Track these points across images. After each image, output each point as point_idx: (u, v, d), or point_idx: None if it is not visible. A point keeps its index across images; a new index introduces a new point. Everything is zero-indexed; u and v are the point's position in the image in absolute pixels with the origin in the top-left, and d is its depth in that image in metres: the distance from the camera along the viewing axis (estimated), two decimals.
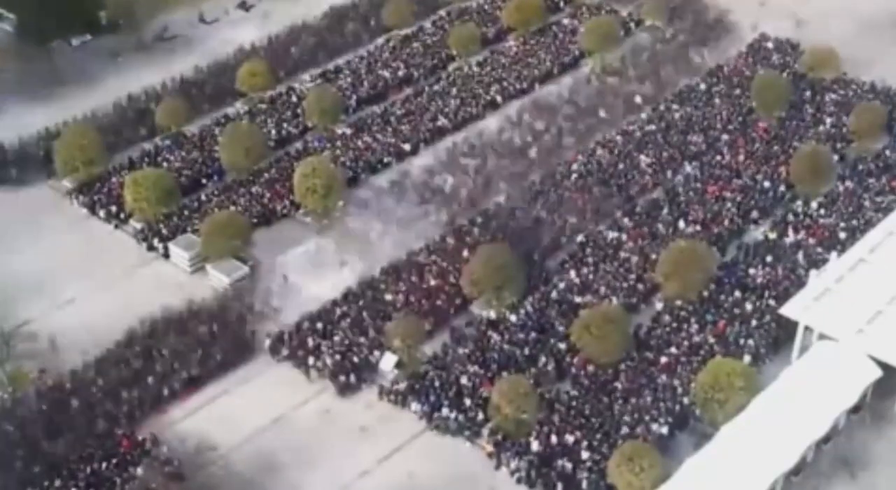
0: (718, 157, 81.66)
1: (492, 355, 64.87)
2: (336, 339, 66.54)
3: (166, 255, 74.58)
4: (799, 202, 77.17)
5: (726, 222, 75.02)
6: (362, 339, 66.41)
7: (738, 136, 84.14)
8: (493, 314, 67.90)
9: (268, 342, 66.83)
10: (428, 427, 61.82)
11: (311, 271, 71.90)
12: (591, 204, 76.05)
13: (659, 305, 68.98)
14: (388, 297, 69.30)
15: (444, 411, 61.74)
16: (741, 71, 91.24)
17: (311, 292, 69.94)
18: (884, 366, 61.58)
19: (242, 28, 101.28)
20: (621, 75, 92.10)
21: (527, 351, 65.15)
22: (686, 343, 65.51)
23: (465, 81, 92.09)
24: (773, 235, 74.07)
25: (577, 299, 68.74)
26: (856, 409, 61.46)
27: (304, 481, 59.22)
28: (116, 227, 77.25)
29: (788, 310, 64.71)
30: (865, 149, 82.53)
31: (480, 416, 61.47)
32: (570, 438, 59.90)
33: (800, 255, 71.68)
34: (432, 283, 70.10)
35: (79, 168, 79.44)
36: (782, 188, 78.37)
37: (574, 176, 79.16)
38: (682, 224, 74.89)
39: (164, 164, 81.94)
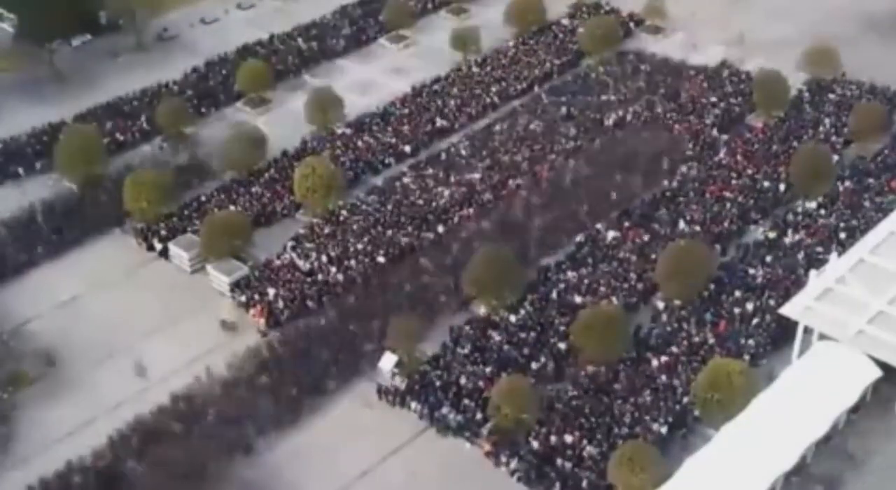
0: (717, 158, 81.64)
1: (491, 355, 64.89)
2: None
3: (164, 255, 74.57)
4: (799, 202, 77.23)
5: (726, 223, 74.93)
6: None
7: (737, 136, 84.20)
8: (483, 311, 68.03)
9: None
10: (428, 427, 61.81)
11: None
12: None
13: (660, 305, 68.90)
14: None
15: (444, 411, 61.75)
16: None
17: None
18: (884, 366, 61.56)
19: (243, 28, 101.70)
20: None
21: (526, 351, 65.14)
22: (686, 343, 65.46)
23: (465, 82, 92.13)
24: (772, 235, 74.09)
25: (577, 299, 68.72)
26: (856, 409, 61.45)
27: (305, 481, 59.24)
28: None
29: (788, 310, 64.66)
30: (865, 149, 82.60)
31: (479, 416, 61.51)
32: (569, 438, 59.87)
33: (800, 255, 71.73)
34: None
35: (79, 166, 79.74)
36: (782, 187, 78.26)
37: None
38: (681, 224, 74.87)
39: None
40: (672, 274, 67.53)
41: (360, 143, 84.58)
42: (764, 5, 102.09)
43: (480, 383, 63.00)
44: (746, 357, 63.79)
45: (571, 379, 63.89)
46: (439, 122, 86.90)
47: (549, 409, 61.59)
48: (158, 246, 74.98)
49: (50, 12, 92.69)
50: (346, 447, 60.81)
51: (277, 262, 72.78)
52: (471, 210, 76.79)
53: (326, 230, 75.46)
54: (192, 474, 57.27)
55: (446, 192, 78.47)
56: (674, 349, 65.17)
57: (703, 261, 68.40)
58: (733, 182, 78.78)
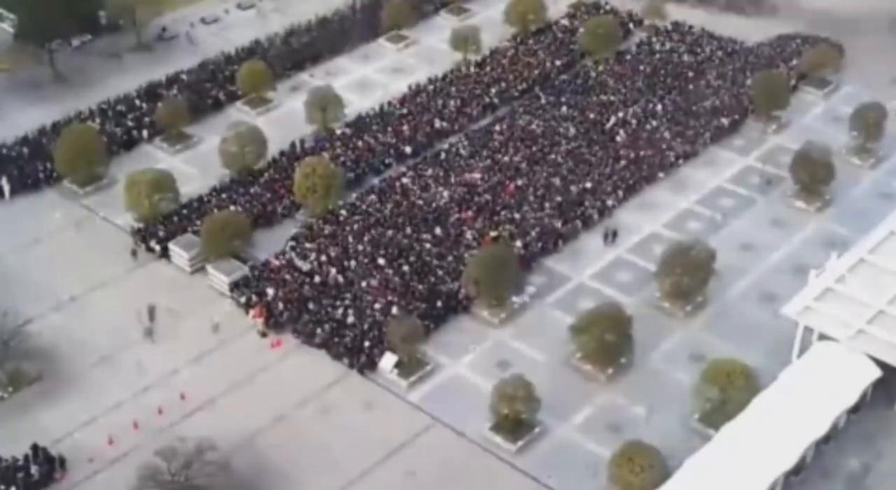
0: None
1: None
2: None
3: (164, 255, 74.47)
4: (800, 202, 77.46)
5: None
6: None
7: None
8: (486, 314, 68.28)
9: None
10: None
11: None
12: None
13: None
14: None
15: None
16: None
17: None
18: (884, 366, 61.59)
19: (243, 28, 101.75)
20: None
21: None
22: None
23: (465, 82, 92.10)
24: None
25: None
26: (856, 409, 61.47)
27: (304, 481, 59.28)
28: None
29: (788, 310, 64.68)
30: (865, 148, 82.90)
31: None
32: None
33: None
34: None
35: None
36: None
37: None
38: None
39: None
40: (669, 272, 67.84)
41: (360, 144, 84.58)
42: None
43: None
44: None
45: None
46: (438, 123, 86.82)
47: None
48: (156, 247, 74.75)
49: (50, 12, 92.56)
50: (346, 447, 60.87)
51: (277, 263, 72.78)
52: (470, 211, 76.80)
53: (326, 230, 75.47)
54: None
55: (445, 193, 78.50)
56: None
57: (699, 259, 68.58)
58: None
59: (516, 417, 60.29)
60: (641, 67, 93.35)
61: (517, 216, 76.11)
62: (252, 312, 69.10)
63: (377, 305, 68.76)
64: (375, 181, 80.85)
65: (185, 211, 77.56)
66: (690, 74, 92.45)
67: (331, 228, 75.48)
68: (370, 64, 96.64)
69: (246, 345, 67.74)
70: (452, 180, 79.83)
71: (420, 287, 70.08)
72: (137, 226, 76.43)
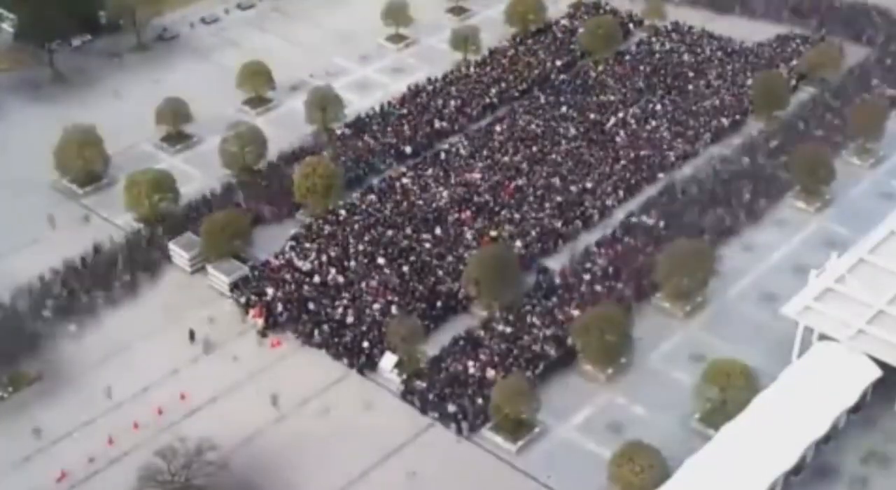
0: None
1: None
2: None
3: (163, 255, 74.49)
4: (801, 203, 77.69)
5: None
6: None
7: None
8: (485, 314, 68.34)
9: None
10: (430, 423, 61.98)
11: None
12: None
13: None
14: None
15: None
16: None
17: None
18: (884, 366, 61.58)
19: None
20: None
21: None
22: None
23: (465, 82, 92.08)
24: None
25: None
26: (856, 409, 61.46)
27: (304, 481, 59.28)
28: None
29: (788, 310, 64.67)
30: (864, 148, 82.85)
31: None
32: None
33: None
34: None
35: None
36: None
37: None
38: None
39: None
40: (672, 274, 67.72)
41: (360, 144, 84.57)
42: None
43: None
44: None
45: None
46: (438, 123, 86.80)
47: None
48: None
49: (50, 12, 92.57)
50: (346, 447, 60.86)
51: (277, 263, 72.76)
52: (469, 212, 76.72)
53: (326, 230, 75.46)
54: None
55: (445, 193, 78.49)
56: None
57: (703, 260, 68.51)
58: None
59: (516, 417, 60.32)
60: (641, 67, 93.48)
61: (517, 216, 76.24)
62: (252, 312, 69.14)
63: (377, 305, 68.83)
64: (375, 181, 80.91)
65: (185, 211, 77.56)
66: (690, 74, 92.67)
67: (331, 228, 75.52)
68: (370, 64, 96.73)
69: (246, 345, 67.78)
70: (452, 180, 79.94)
71: (420, 287, 70.14)
72: (137, 226, 76.44)
